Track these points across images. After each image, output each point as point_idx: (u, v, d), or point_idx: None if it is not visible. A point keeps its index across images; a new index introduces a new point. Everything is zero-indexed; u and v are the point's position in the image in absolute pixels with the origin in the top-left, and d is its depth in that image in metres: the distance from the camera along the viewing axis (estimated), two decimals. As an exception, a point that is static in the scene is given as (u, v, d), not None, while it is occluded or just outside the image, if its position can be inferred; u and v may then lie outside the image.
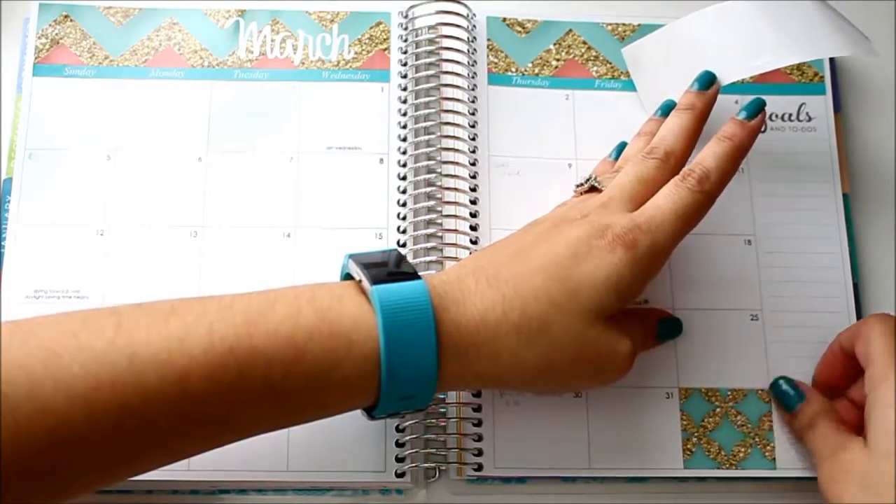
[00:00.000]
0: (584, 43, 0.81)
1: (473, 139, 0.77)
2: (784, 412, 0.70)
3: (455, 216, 0.75)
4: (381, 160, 0.77)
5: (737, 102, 0.79)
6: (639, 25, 0.82)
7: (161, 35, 0.80)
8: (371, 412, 0.59)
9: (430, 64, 0.79)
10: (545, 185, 0.77)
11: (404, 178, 0.76)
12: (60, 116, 0.77)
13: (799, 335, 0.74)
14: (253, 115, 0.78)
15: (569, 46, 0.81)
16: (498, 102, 0.79)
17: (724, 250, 0.76)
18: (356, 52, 0.80)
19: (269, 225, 0.75)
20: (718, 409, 0.72)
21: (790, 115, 0.80)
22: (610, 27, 0.82)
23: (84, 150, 0.76)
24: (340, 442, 0.70)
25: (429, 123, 0.77)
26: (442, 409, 0.70)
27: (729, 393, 0.73)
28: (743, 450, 0.71)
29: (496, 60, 0.80)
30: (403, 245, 0.74)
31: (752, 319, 0.75)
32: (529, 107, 0.79)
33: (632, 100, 0.80)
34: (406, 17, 0.81)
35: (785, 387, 0.70)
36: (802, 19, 0.72)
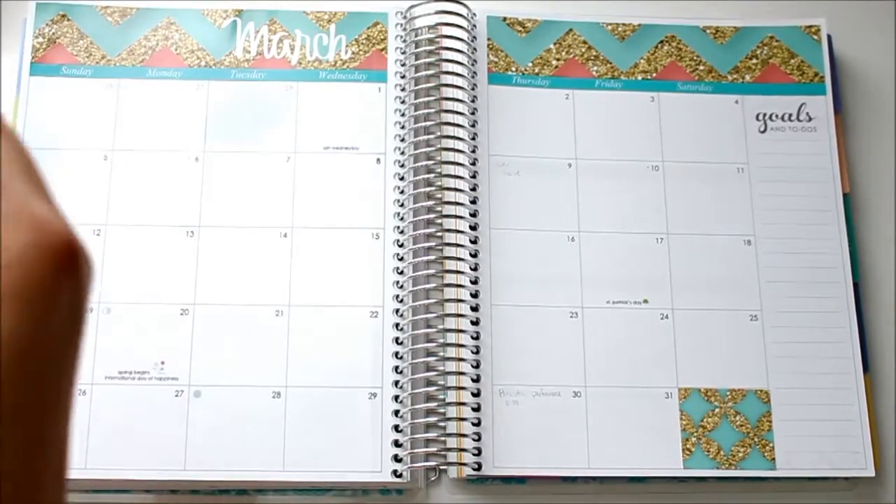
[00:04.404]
0: (585, 42, 0.81)
1: (473, 139, 0.77)
2: None
3: (455, 216, 0.74)
4: (379, 160, 0.77)
5: (737, 103, 0.79)
6: (639, 25, 0.82)
7: (158, 35, 0.80)
8: None
9: (430, 63, 0.78)
10: (545, 185, 0.77)
11: (402, 179, 0.76)
12: (57, 116, 0.77)
13: (799, 335, 0.74)
14: (250, 115, 0.78)
15: (569, 46, 0.81)
16: (498, 102, 0.79)
17: (724, 250, 0.76)
18: (353, 52, 0.80)
19: (265, 225, 0.75)
20: (718, 409, 0.72)
21: (790, 115, 0.80)
22: (610, 27, 0.82)
23: (81, 150, 0.76)
24: (338, 442, 0.70)
25: (428, 123, 0.77)
26: (441, 410, 0.70)
27: (728, 393, 0.72)
28: (742, 450, 0.71)
29: (496, 60, 0.80)
30: (402, 245, 0.74)
31: (751, 319, 0.74)
32: (529, 107, 0.79)
33: (632, 99, 0.80)
34: (406, 16, 0.80)
35: None
36: None
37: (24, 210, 0.30)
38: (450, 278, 0.73)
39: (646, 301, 0.74)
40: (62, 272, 0.29)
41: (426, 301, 0.73)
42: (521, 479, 0.71)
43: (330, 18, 0.81)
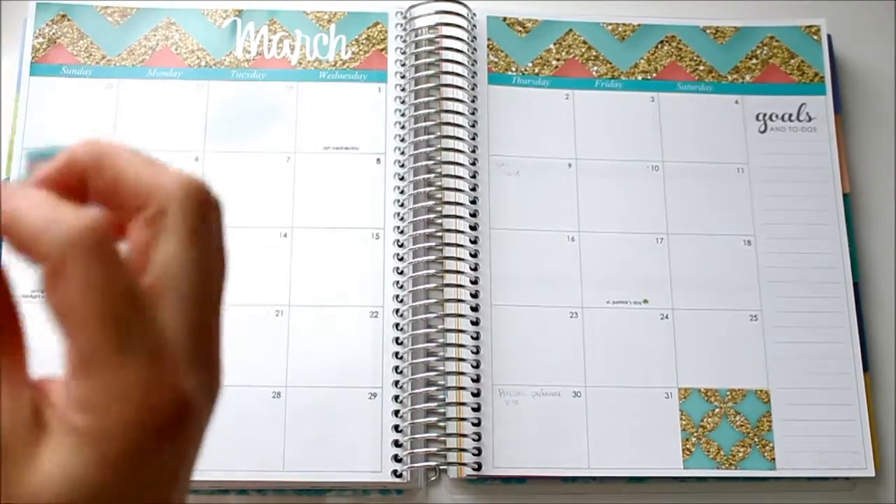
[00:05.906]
0: (585, 43, 0.81)
1: (473, 139, 0.77)
2: None
3: (455, 216, 0.74)
4: (378, 160, 0.77)
5: (737, 103, 0.79)
6: (639, 25, 0.82)
7: (158, 35, 0.80)
8: None
9: (430, 63, 0.78)
10: (545, 185, 0.77)
11: (402, 179, 0.76)
12: (57, 116, 0.77)
13: (799, 335, 0.74)
14: (250, 115, 0.78)
15: (569, 46, 0.81)
16: (498, 102, 0.79)
17: (724, 250, 0.76)
18: (353, 53, 0.80)
19: (265, 225, 0.75)
20: (718, 409, 0.72)
21: (790, 115, 0.80)
22: (610, 27, 0.82)
23: (81, 150, 0.76)
24: (338, 442, 0.70)
25: (428, 123, 0.77)
26: (441, 410, 0.70)
27: (728, 393, 0.72)
28: (742, 450, 0.71)
29: (496, 60, 0.80)
30: (402, 245, 0.74)
31: (751, 319, 0.74)
32: (529, 107, 0.79)
33: (632, 99, 0.80)
34: (406, 17, 0.80)
35: None
36: None
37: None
38: (450, 278, 0.73)
39: (646, 301, 0.74)
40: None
41: (426, 301, 0.73)
42: (521, 479, 0.71)
43: (330, 18, 0.81)
